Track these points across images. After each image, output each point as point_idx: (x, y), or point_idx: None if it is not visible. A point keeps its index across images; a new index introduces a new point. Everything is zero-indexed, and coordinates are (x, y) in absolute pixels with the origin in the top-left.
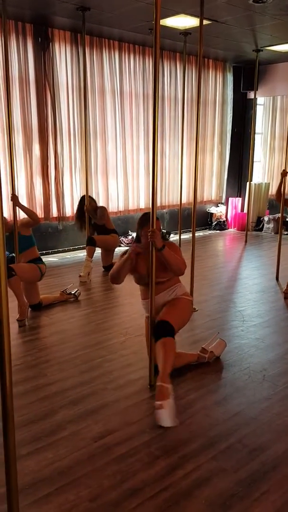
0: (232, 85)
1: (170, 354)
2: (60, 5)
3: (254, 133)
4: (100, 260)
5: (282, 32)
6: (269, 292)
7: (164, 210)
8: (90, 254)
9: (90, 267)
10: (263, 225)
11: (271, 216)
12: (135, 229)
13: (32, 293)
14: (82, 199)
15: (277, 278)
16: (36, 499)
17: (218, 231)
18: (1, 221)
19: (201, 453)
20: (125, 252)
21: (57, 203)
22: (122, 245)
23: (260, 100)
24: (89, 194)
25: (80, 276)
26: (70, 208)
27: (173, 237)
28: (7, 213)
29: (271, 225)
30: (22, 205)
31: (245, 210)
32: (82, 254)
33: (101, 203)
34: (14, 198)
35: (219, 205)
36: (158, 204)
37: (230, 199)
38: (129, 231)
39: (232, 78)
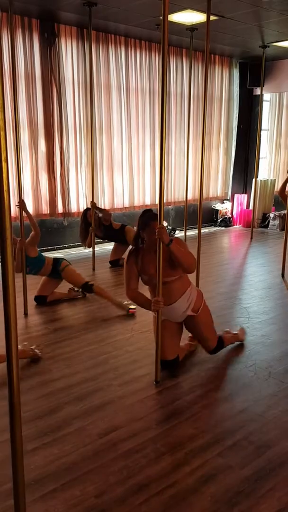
0: (238, 81)
1: None
2: (67, 0)
3: (260, 129)
4: (106, 255)
5: None
6: (274, 289)
7: (169, 206)
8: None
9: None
10: (268, 221)
11: (276, 213)
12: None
13: (47, 287)
14: (87, 211)
15: (282, 275)
16: (42, 494)
17: (223, 228)
18: (9, 215)
19: (207, 450)
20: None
21: (63, 199)
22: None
23: (267, 96)
24: (93, 189)
25: None
26: (76, 204)
27: (179, 234)
28: (13, 209)
29: (276, 222)
30: (29, 212)
31: (251, 207)
32: (87, 250)
33: (106, 199)
34: (22, 204)
35: (224, 201)
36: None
37: (235, 195)
38: (134, 228)
39: (238, 74)
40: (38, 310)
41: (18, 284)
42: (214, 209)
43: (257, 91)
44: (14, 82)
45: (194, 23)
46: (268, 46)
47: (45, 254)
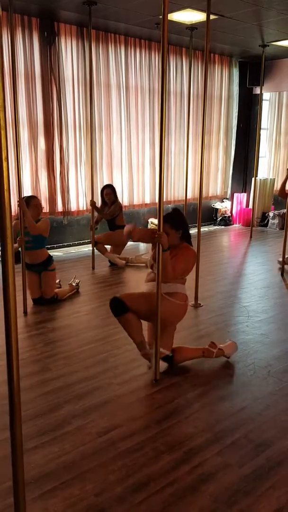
0: (238, 81)
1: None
2: None
3: (260, 128)
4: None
5: None
6: (274, 287)
7: (169, 205)
8: (104, 250)
9: (113, 256)
10: (268, 220)
11: (276, 212)
12: (140, 223)
13: (35, 287)
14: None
15: (282, 274)
16: (42, 493)
17: (223, 227)
18: (9, 214)
19: (206, 448)
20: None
21: (62, 198)
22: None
23: (266, 95)
24: (93, 188)
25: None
26: (75, 203)
27: None
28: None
29: (276, 221)
30: (27, 212)
31: (250, 206)
32: (87, 248)
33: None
34: (21, 203)
35: (224, 200)
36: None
37: (235, 194)
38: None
39: (238, 73)
40: (37, 308)
41: (18, 283)
42: (214, 208)
43: (257, 90)
44: (14, 81)
45: (194, 22)
46: (268, 45)
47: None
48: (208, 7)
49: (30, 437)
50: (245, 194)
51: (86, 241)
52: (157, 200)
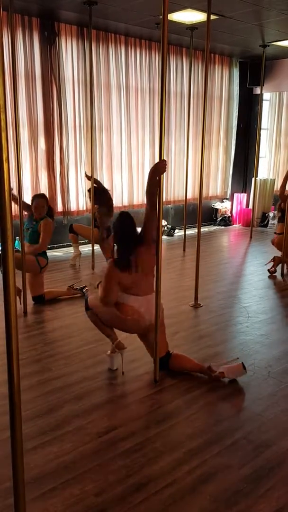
0: (238, 81)
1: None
2: None
3: (260, 128)
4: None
5: None
6: (274, 288)
7: (169, 205)
8: (75, 240)
9: (78, 252)
10: (268, 221)
11: (276, 212)
12: (139, 225)
13: (34, 285)
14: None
15: (282, 275)
16: (42, 493)
17: (223, 227)
18: (9, 214)
19: (206, 449)
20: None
21: (62, 198)
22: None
23: (266, 95)
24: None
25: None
26: (75, 203)
27: (178, 233)
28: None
29: (276, 221)
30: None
31: (250, 206)
32: (87, 248)
33: None
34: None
35: (224, 200)
36: (164, 199)
37: (235, 194)
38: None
39: (238, 73)
40: (37, 309)
41: (18, 283)
42: (214, 208)
43: (257, 90)
44: (14, 81)
45: (194, 22)
46: (268, 46)
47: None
48: (208, 7)
49: (30, 437)
50: (245, 194)
51: (86, 241)
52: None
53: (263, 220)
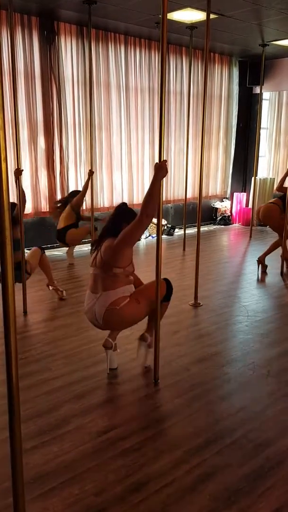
0: (238, 80)
1: None
2: None
3: (260, 128)
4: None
5: None
6: (273, 287)
7: (169, 204)
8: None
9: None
10: None
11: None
12: None
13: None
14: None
15: (281, 273)
16: (41, 493)
17: (222, 226)
18: (8, 214)
19: (206, 448)
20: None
21: (62, 197)
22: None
23: (266, 95)
24: (93, 187)
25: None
26: None
27: (178, 232)
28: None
29: None
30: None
31: (250, 205)
32: (86, 248)
33: (105, 196)
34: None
35: (223, 200)
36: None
37: (235, 194)
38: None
39: (238, 72)
40: (37, 308)
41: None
42: (214, 207)
43: (257, 89)
44: (14, 80)
45: (194, 21)
46: (268, 45)
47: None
48: (208, 6)
49: (30, 436)
50: (245, 194)
51: (87, 240)
52: None
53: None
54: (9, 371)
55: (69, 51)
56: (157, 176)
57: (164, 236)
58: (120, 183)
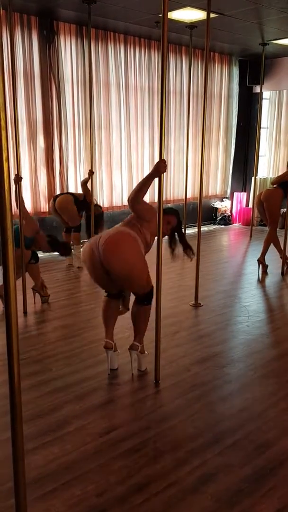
0: (238, 79)
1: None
2: None
3: (260, 127)
4: None
5: None
6: (274, 287)
7: (169, 204)
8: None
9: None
10: None
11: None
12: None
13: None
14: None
15: (282, 273)
16: (43, 493)
17: (222, 226)
18: (9, 214)
19: (207, 449)
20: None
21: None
22: None
23: (266, 94)
24: (93, 187)
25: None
26: None
27: None
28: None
29: None
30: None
31: (250, 205)
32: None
33: (105, 196)
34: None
35: (224, 199)
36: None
37: (235, 193)
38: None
39: (238, 72)
40: (37, 308)
41: (18, 282)
42: (214, 207)
43: (257, 89)
44: (13, 79)
45: (193, 20)
46: (268, 44)
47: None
48: (208, 5)
49: (31, 437)
50: (245, 193)
51: (86, 241)
52: (156, 199)
53: (263, 220)
54: (11, 372)
55: (68, 51)
56: (153, 174)
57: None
58: (120, 183)
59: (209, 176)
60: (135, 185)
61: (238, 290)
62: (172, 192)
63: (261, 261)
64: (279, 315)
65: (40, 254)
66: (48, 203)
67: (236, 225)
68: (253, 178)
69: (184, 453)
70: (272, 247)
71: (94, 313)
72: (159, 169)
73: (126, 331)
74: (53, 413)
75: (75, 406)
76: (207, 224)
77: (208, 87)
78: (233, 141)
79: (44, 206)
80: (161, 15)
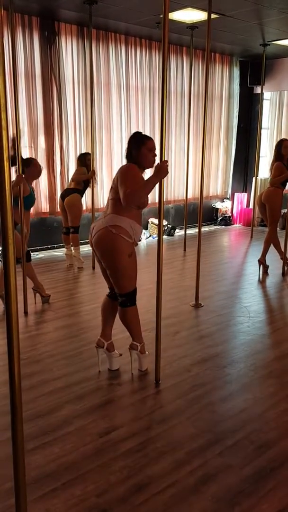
0: (238, 80)
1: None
2: None
3: (261, 128)
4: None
5: None
6: (275, 288)
7: (169, 205)
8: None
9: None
10: None
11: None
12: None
13: None
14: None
15: (283, 274)
16: (43, 493)
17: (223, 227)
18: (10, 214)
19: (208, 449)
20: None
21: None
22: None
23: (267, 95)
24: (93, 187)
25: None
26: None
27: (179, 232)
28: None
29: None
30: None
31: (251, 206)
32: (87, 248)
33: (105, 196)
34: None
35: (224, 200)
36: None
37: (235, 194)
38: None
39: (238, 72)
40: (38, 309)
41: (19, 282)
42: (214, 207)
43: (258, 89)
44: (15, 80)
45: (194, 21)
46: (269, 45)
47: (45, 252)
48: (209, 6)
49: (31, 437)
50: (246, 194)
51: (86, 241)
52: (157, 200)
53: (264, 220)
54: (12, 372)
55: (69, 51)
56: (156, 176)
57: (164, 237)
58: None
59: (210, 177)
60: None
61: (239, 290)
62: (172, 193)
63: (262, 262)
64: (279, 316)
65: (41, 254)
66: (48, 203)
67: (236, 226)
68: (253, 178)
69: (185, 454)
70: (272, 248)
71: (94, 313)
72: (162, 170)
73: (126, 331)
74: (53, 413)
75: (75, 406)
76: (208, 225)
77: (208, 87)
78: (234, 141)
79: (45, 206)
80: (162, 15)
